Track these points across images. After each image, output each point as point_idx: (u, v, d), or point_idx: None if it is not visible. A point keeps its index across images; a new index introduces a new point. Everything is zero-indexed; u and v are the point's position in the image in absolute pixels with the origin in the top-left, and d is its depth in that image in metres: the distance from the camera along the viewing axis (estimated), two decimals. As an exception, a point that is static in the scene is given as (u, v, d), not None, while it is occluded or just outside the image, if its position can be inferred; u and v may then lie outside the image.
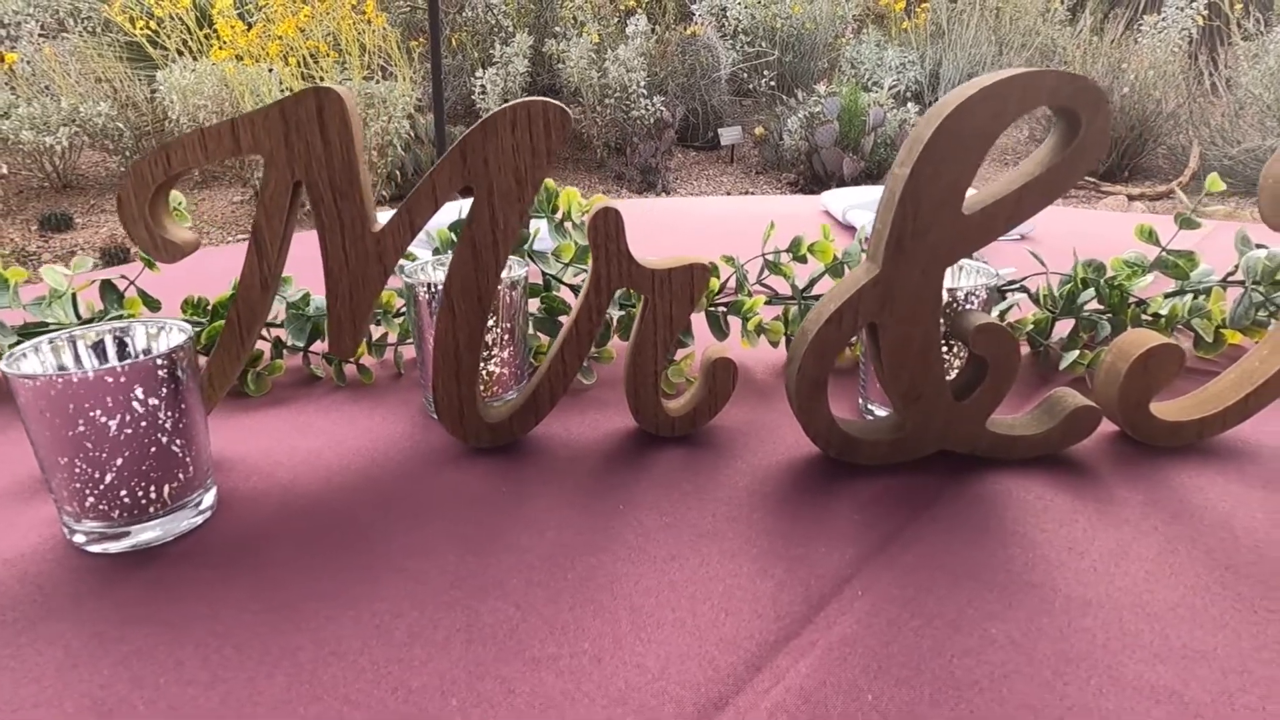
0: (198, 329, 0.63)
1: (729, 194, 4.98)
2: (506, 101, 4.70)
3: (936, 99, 5.17)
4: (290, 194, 0.49)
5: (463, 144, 0.48)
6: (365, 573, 0.41)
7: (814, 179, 4.98)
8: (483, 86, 4.59)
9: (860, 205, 1.15)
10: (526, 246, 0.67)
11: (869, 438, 0.52)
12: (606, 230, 0.51)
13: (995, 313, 0.65)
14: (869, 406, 0.59)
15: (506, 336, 0.58)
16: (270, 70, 3.76)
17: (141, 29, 3.95)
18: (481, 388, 0.59)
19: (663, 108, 4.80)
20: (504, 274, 0.59)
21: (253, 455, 0.54)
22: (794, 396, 0.51)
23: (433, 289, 0.57)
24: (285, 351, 0.67)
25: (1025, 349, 0.67)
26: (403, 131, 3.89)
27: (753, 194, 4.96)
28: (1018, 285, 0.69)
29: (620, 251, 0.52)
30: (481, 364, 0.58)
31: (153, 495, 0.43)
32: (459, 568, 0.42)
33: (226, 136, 0.48)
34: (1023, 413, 0.55)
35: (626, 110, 4.76)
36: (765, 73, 5.34)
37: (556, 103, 0.48)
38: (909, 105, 4.90)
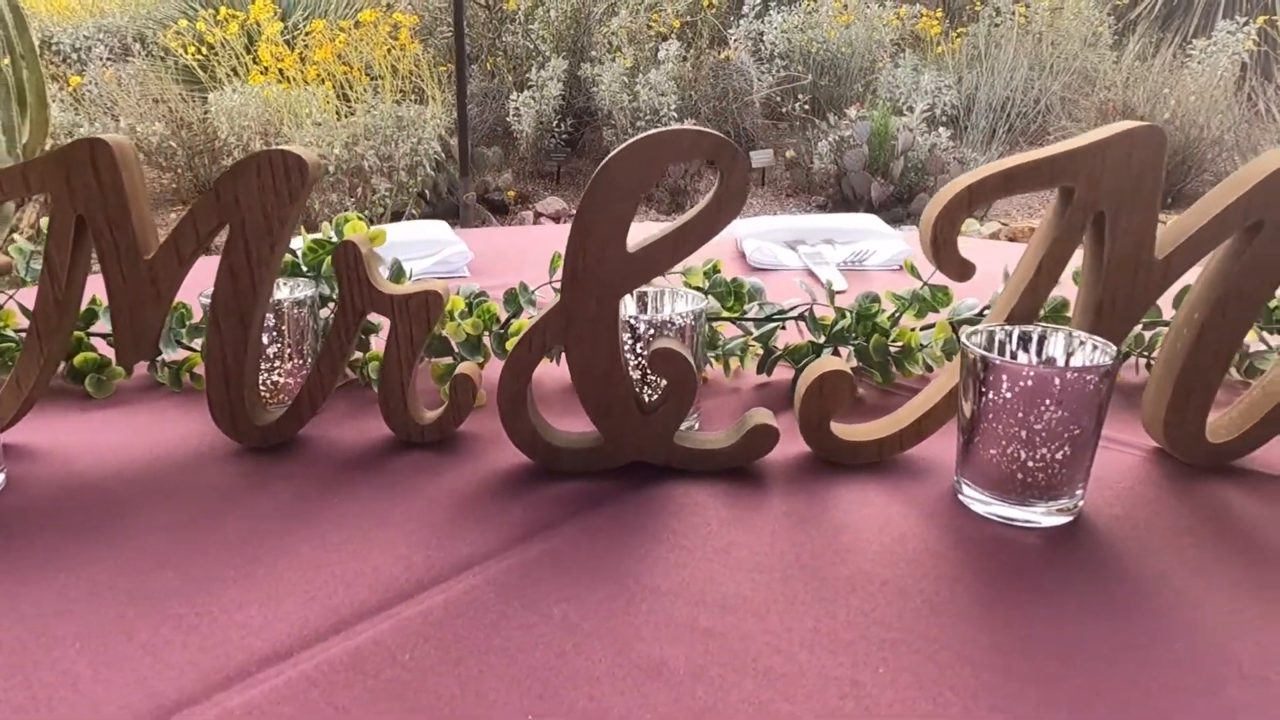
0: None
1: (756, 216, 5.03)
2: (541, 125, 4.82)
3: (971, 123, 5.15)
4: (74, 226, 0.58)
5: (218, 185, 0.57)
6: (105, 544, 0.50)
7: (843, 202, 5.00)
8: (516, 109, 4.75)
9: (756, 235, 1.21)
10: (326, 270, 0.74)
11: (570, 447, 0.58)
12: (347, 262, 0.59)
13: (767, 333, 0.71)
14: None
15: (289, 350, 0.67)
16: (312, 94, 3.97)
17: (193, 54, 4.20)
18: (268, 395, 0.68)
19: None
20: (291, 294, 0.68)
21: (56, 447, 0.63)
22: (500, 410, 0.58)
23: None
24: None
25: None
26: (432, 152, 4.06)
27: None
28: (791, 314, 0.74)
29: (360, 279, 0.60)
30: (266, 374, 0.67)
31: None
32: (171, 547, 0.50)
33: (18, 177, 0.57)
34: (722, 429, 0.61)
35: (657, 133, 4.85)
36: (799, 96, 5.38)
37: (296, 152, 0.57)
38: (940, 130, 4.88)
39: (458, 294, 0.73)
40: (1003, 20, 5.39)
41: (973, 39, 5.45)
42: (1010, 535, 0.51)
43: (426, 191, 4.11)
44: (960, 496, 0.54)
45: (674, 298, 0.64)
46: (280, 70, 3.90)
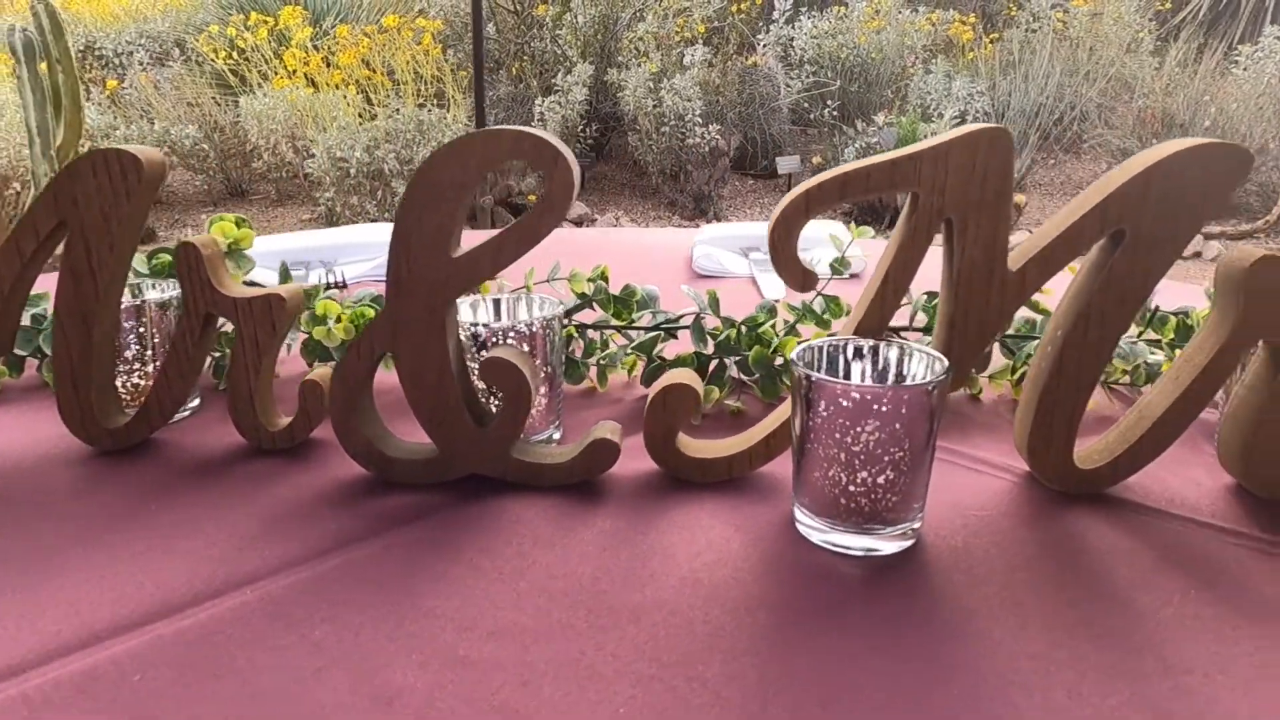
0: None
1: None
2: (566, 130, 4.83)
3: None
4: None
5: (54, 184, 0.56)
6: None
7: (869, 209, 4.92)
8: (541, 115, 4.76)
9: (710, 241, 1.18)
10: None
11: (406, 458, 0.56)
12: (189, 263, 0.58)
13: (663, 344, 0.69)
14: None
15: (150, 352, 0.66)
16: (340, 97, 4.03)
17: (224, 59, 4.28)
18: (129, 397, 0.67)
19: (718, 136, 4.85)
20: (155, 295, 0.67)
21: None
22: (332, 419, 0.56)
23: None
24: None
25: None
26: (452, 156, 4.08)
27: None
28: (679, 324, 0.71)
29: (202, 280, 0.58)
30: (126, 376, 0.66)
31: None
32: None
33: None
34: (570, 443, 0.58)
35: (682, 138, 4.83)
36: (828, 102, 5.31)
37: (131, 150, 0.56)
38: (970, 137, 4.78)
39: (348, 300, 0.72)
40: (1040, 26, 5.27)
41: (1006, 44, 5.33)
42: (833, 564, 0.47)
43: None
44: (795, 522, 0.51)
45: (530, 304, 0.62)
46: (306, 75, 3.96)
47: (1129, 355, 0.67)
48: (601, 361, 0.69)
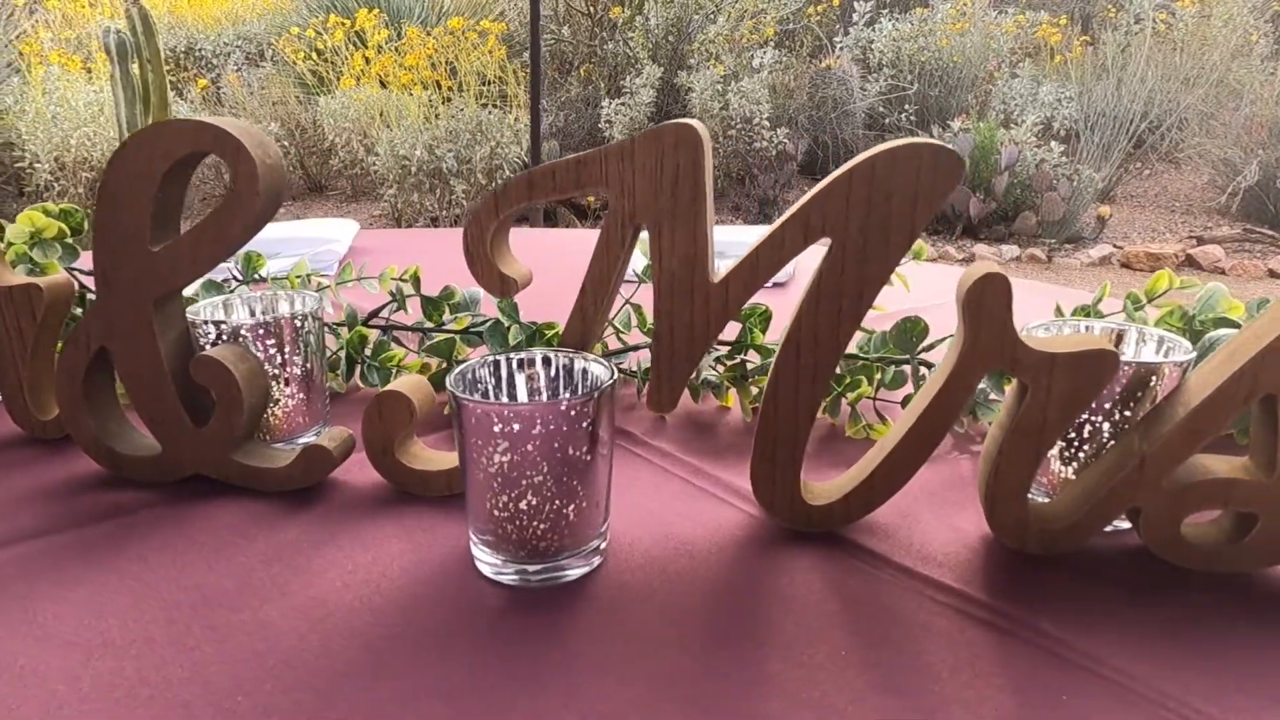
0: None
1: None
2: (634, 131, 4.85)
3: (1091, 138, 4.75)
4: None
5: None
6: None
7: (941, 218, 4.73)
8: (608, 117, 4.77)
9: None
10: None
11: (133, 455, 0.55)
12: (-47, 250, 0.59)
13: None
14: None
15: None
16: (409, 97, 4.14)
17: (303, 59, 4.46)
18: None
19: (786, 140, 4.76)
20: None
21: None
22: (61, 412, 0.56)
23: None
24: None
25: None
26: (513, 156, 4.13)
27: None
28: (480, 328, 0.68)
29: (-34, 269, 0.59)
30: None
31: None
32: None
33: None
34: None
35: (749, 141, 4.76)
36: (906, 107, 5.14)
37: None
38: (1052, 144, 4.55)
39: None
40: (1141, 28, 4.96)
41: (1100, 48, 5.04)
42: (475, 595, 0.44)
43: (505, 195, 4.19)
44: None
45: (294, 300, 0.60)
46: (378, 75, 4.08)
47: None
48: (389, 365, 0.67)
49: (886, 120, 5.26)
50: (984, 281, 0.42)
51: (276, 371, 0.57)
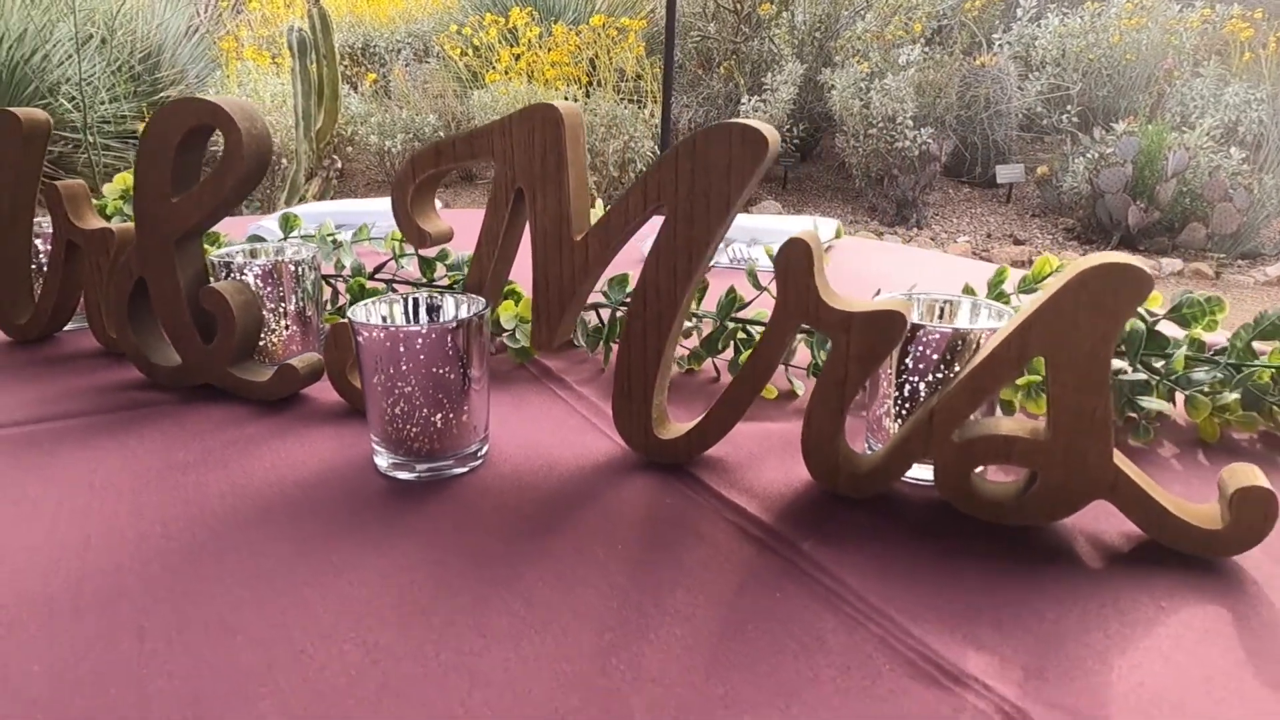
0: None
1: (988, 235, 4.66)
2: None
3: (1276, 144, 4.34)
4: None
5: (-27, 136, 0.76)
6: None
7: (1096, 227, 4.48)
8: (746, 114, 4.81)
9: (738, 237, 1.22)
10: None
11: (163, 364, 0.70)
12: (54, 200, 0.75)
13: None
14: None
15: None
16: (551, 92, 4.37)
17: (460, 55, 4.77)
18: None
19: (930, 140, 4.63)
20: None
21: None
22: (110, 325, 0.71)
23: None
24: None
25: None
26: (645, 150, 4.27)
27: (997, 238, 4.60)
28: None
29: (63, 215, 0.75)
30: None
31: None
32: None
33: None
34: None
35: (890, 141, 4.67)
36: (1068, 108, 4.88)
37: (15, 111, 0.74)
38: (1232, 150, 4.20)
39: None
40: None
41: (1298, 45, 4.59)
42: (369, 486, 0.54)
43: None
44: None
45: (300, 250, 0.73)
46: (524, 70, 4.31)
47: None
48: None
49: (1045, 121, 5.02)
50: (789, 246, 0.48)
51: (274, 306, 0.70)
